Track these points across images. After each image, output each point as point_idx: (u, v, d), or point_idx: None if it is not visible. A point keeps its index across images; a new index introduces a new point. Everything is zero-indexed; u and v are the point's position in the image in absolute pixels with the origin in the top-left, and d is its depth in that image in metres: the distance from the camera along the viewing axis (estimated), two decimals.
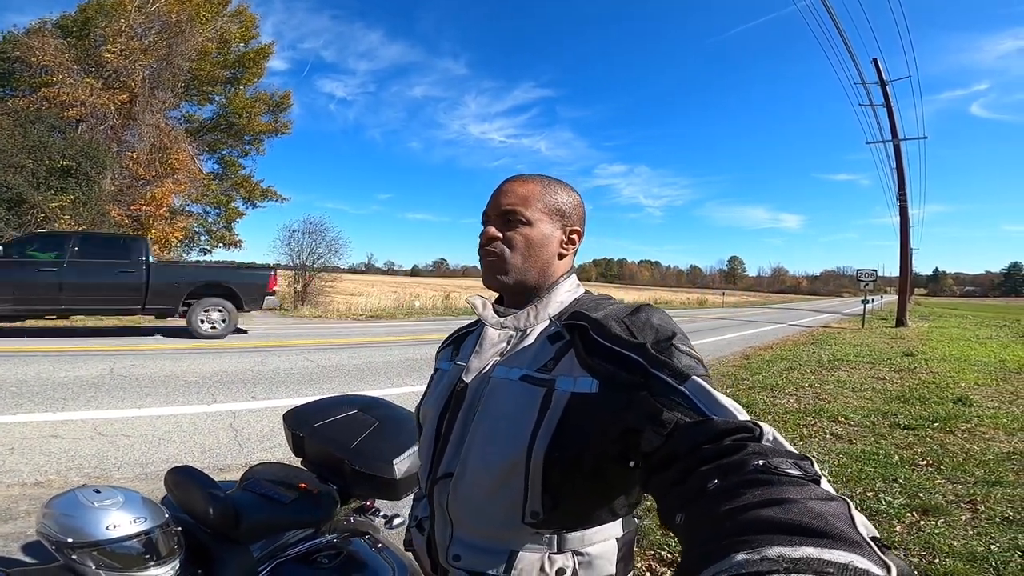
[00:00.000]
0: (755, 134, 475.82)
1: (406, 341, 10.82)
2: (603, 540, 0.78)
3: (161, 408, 4.86)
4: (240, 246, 24.01)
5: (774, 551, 0.35)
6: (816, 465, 0.48)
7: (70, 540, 1.02)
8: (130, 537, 1.05)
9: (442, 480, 0.80)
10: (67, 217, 14.67)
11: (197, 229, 22.47)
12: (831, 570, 0.32)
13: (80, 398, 5.01)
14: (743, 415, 0.59)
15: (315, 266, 20.56)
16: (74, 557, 1.02)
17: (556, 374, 0.75)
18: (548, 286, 0.87)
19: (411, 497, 1.11)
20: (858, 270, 21.51)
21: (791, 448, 0.51)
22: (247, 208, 23.93)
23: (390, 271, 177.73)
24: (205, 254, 24.64)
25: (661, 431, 0.60)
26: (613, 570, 0.78)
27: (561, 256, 0.89)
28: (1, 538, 2.45)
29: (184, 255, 22.09)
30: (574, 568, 0.76)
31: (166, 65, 17.65)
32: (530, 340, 0.82)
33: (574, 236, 0.90)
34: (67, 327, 10.08)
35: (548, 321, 0.84)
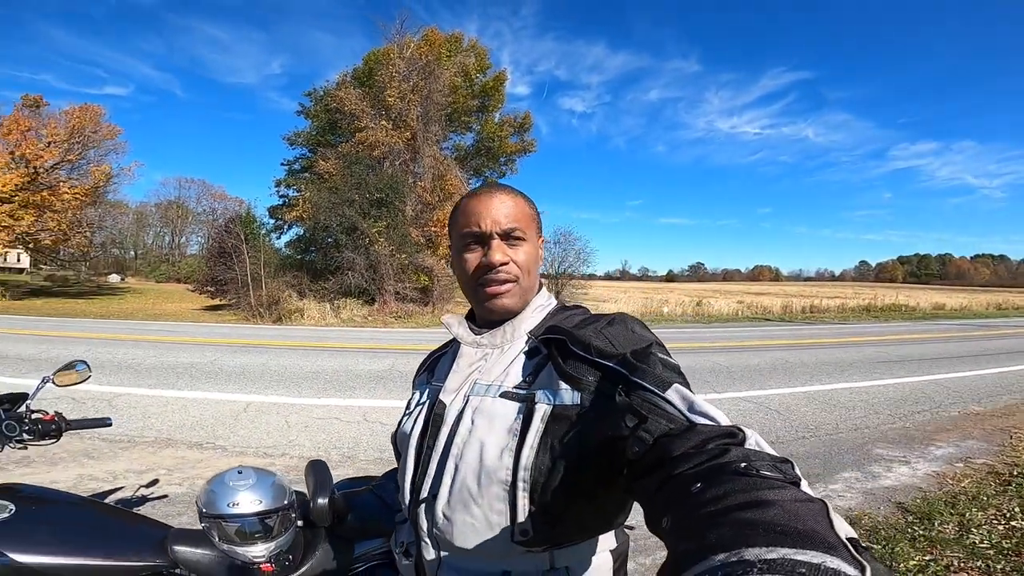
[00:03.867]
0: None
1: None
2: (597, 553, 0.77)
3: None
4: None
5: (751, 552, 0.36)
6: (796, 468, 0.48)
7: (204, 511, 1.16)
8: (245, 515, 1.15)
9: (425, 502, 0.78)
10: (383, 240, 18.66)
11: None
12: (803, 570, 0.33)
13: (365, 388, 6.10)
14: (725, 420, 0.59)
15: (566, 273, 21.73)
16: (203, 525, 1.17)
17: (535, 388, 0.74)
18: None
19: None
20: None
21: (773, 452, 0.52)
22: None
23: (644, 277, 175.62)
24: None
25: (646, 438, 0.59)
26: None
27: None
28: None
29: None
30: None
31: (430, 102, 21.17)
32: (508, 357, 0.81)
33: (541, 247, 0.92)
34: (379, 329, 12.59)
35: (525, 336, 0.82)
